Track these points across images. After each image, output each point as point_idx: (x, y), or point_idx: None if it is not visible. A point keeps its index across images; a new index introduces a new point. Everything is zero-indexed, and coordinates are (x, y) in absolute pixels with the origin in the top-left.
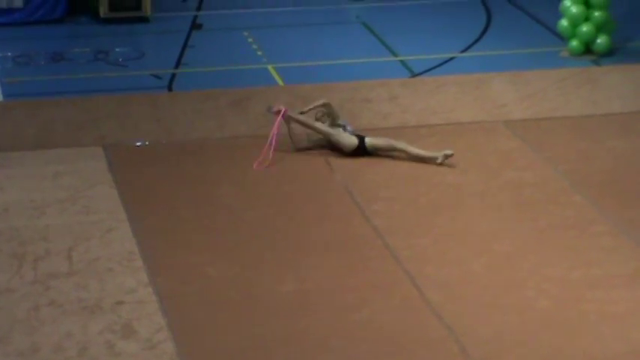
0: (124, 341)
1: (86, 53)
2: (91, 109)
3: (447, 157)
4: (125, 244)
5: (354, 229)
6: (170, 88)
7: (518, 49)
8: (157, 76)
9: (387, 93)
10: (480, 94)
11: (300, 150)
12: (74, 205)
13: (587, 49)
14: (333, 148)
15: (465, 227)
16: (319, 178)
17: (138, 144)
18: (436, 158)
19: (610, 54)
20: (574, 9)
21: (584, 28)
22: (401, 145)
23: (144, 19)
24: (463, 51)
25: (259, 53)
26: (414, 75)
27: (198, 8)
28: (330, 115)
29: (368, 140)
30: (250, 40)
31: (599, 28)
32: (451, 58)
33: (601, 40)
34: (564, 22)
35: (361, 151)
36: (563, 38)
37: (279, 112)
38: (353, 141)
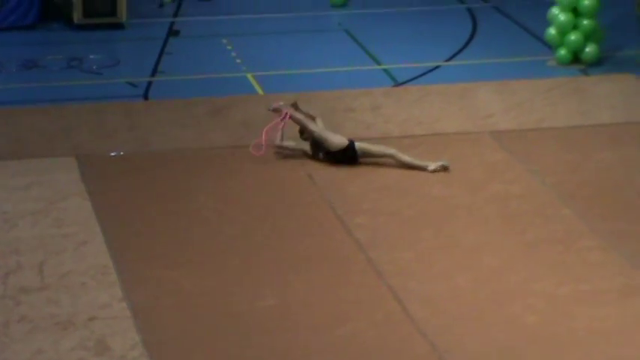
0: (98, 358)
1: (59, 60)
2: (64, 118)
3: (444, 168)
4: (99, 257)
5: (336, 242)
6: (146, 97)
7: (504, 58)
8: (133, 84)
9: (370, 102)
10: (465, 104)
11: (281, 152)
12: (46, 218)
13: (576, 58)
14: (315, 154)
15: (451, 241)
16: (300, 189)
17: (112, 154)
18: (427, 166)
19: (599, 63)
20: (562, 17)
21: (573, 36)
22: (391, 151)
23: (119, 26)
24: (448, 60)
25: (238, 61)
26: (397, 84)
27: (176, 14)
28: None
29: (358, 144)
30: (229, 47)
31: (588, 37)
32: (436, 67)
33: (589, 49)
34: (552, 31)
35: (350, 154)
36: (550, 47)
37: (277, 109)
38: (343, 141)
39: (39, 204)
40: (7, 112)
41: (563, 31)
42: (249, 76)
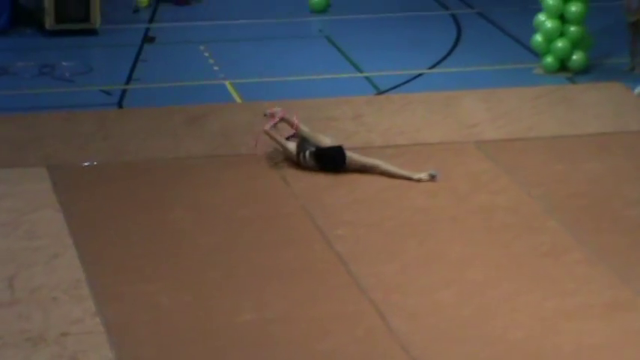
0: None
1: (31, 67)
2: (35, 127)
3: (431, 177)
4: (71, 271)
5: (316, 254)
6: (120, 105)
7: (489, 66)
8: (107, 92)
9: (352, 111)
10: (449, 112)
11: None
12: (16, 230)
13: (563, 65)
14: (298, 155)
15: (434, 254)
16: (279, 200)
17: (85, 164)
18: (415, 176)
19: (586, 71)
20: (549, 24)
21: (560, 43)
22: (377, 163)
23: (92, 32)
24: (432, 67)
25: (216, 68)
26: (379, 92)
27: (151, 20)
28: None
29: (349, 154)
30: (206, 54)
31: (575, 44)
32: (419, 75)
33: (577, 57)
34: (538, 38)
35: (339, 156)
36: (537, 54)
37: (273, 115)
38: (334, 141)
39: (9, 216)
40: None
41: (549, 38)
42: (227, 83)
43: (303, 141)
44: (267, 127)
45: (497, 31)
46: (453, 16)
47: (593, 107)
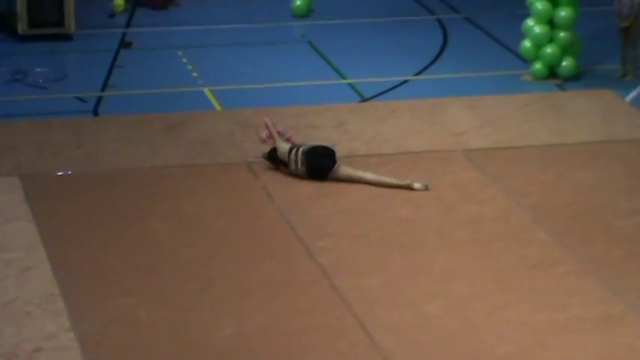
0: None
1: (2, 73)
2: (7, 135)
3: (425, 187)
4: (44, 284)
5: (298, 267)
6: (96, 113)
7: (477, 72)
8: (82, 99)
9: (335, 119)
10: (435, 120)
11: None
12: None
13: (552, 72)
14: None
15: (419, 266)
16: (260, 211)
17: (59, 174)
18: (411, 184)
19: (576, 78)
20: (538, 29)
21: (549, 49)
22: (370, 176)
23: (67, 37)
24: (417, 73)
25: (195, 75)
26: (364, 99)
27: (128, 25)
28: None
29: (340, 164)
30: (185, 60)
31: (565, 50)
32: (404, 82)
33: (567, 63)
34: (527, 43)
35: (329, 157)
36: (525, 60)
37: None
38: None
39: None
40: None
41: (538, 44)
42: (206, 90)
43: (293, 146)
44: (269, 124)
45: (485, 36)
46: (439, 21)
47: (583, 115)
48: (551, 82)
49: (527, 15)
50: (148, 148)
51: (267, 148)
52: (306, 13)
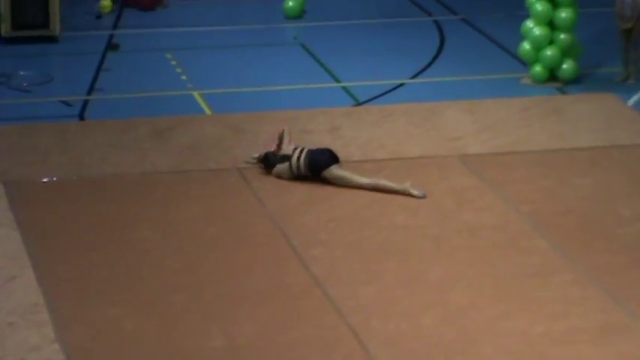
0: None
1: None
2: None
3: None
4: (28, 294)
5: (290, 277)
6: (82, 117)
7: (474, 75)
8: (67, 103)
9: (328, 123)
10: (432, 125)
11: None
12: None
13: (552, 75)
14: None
15: (415, 275)
16: (250, 219)
17: (44, 180)
18: (408, 189)
19: (577, 81)
20: (537, 31)
21: (549, 52)
22: (368, 182)
23: (52, 39)
24: (413, 77)
25: (184, 78)
26: (358, 103)
27: (115, 26)
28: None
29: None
30: (174, 62)
31: (565, 53)
32: (400, 85)
33: (567, 66)
34: (526, 46)
35: (332, 155)
36: (525, 63)
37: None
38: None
39: None
40: None
41: (538, 46)
42: (195, 94)
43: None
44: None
45: (483, 38)
46: (436, 22)
47: (584, 119)
48: (551, 86)
49: (526, 16)
50: (135, 154)
51: (254, 152)
52: (298, 15)
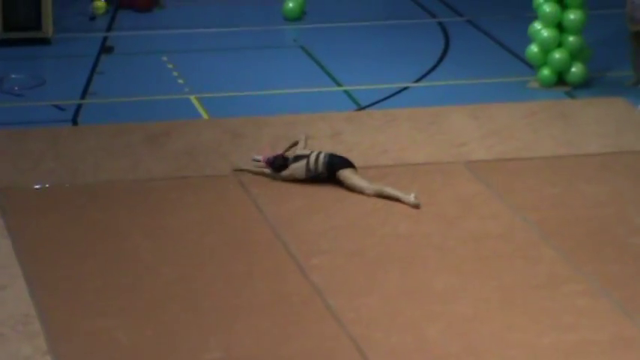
0: None
1: None
2: None
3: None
4: (20, 304)
5: (290, 286)
6: (75, 122)
7: (480, 79)
8: (60, 108)
9: (329, 128)
10: (436, 130)
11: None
12: None
13: (560, 79)
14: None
15: (419, 285)
16: (248, 226)
17: (36, 187)
18: (408, 198)
19: (586, 85)
20: (545, 33)
21: (557, 54)
22: (372, 189)
23: (44, 41)
24: (417, 80)
25: (180, 81)
26: (360, 108)
27: (109, 28)
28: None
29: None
30: (170, 65)
31: (574, 55)
32: (403, 89)
33: (576, 69)
34: (534, 48)
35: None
36: (532, 66)
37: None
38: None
39: None
40: None
41: (546, 49)
42: (192, 98)
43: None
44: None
45: (489, 40)
46: (441, 24)
47: (593, 124)
48: (559, 90)
49: (533, 18)
50: (130, 160)
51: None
52: (298, 16)
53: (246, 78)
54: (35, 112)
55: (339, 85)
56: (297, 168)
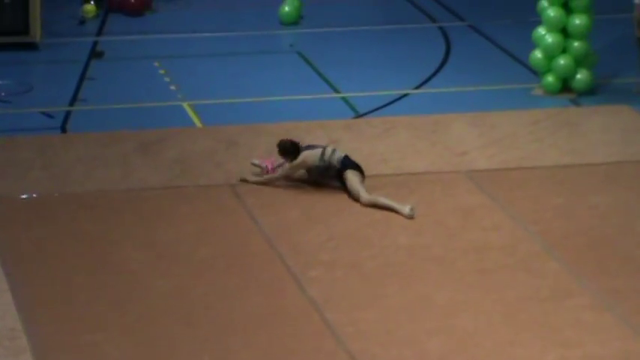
0: None
1: None
2: None
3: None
4: (6, 319)
5: (287, 300)
6: (64, 129)
7: (482, 86)
8: (49, 115)
9: (327, 136)
10: (437, 138)
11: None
12: None
13: (565, 86)
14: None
15: (419, 299)
16: (244, 238)
17: (23, 197)
18: (403, 210)
19: (591, 92)
20: (549, 38)
21: (562, 61)
22: (366, 198)
23: (32, 46)
24: (417, 87)
25: (173, 88)
26: (358, 115)
27: (99, 33)
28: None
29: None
30: (162, 71)
31: (579, 62)
32: (403, 96)
33: (581, 76)
34: (538, 54)
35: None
36: (536, 73)
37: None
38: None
39: None
40: None
41: (550, 55)
42: (185, 105)
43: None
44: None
45: (491, 46)
46: (442, 29)
47: (598, 133)
48: (564, 97)
49: (537, 23)
50: (121, 169)
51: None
52: (295, 21)
53: (241, 84)
54: (23, 119)
55: (336, 91)
56: (311, 154)
